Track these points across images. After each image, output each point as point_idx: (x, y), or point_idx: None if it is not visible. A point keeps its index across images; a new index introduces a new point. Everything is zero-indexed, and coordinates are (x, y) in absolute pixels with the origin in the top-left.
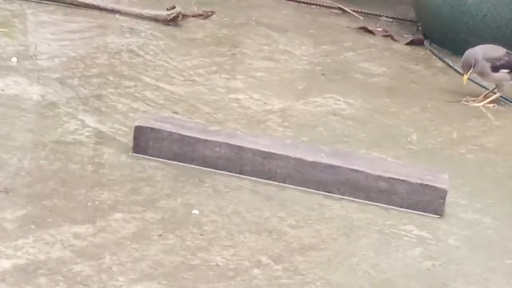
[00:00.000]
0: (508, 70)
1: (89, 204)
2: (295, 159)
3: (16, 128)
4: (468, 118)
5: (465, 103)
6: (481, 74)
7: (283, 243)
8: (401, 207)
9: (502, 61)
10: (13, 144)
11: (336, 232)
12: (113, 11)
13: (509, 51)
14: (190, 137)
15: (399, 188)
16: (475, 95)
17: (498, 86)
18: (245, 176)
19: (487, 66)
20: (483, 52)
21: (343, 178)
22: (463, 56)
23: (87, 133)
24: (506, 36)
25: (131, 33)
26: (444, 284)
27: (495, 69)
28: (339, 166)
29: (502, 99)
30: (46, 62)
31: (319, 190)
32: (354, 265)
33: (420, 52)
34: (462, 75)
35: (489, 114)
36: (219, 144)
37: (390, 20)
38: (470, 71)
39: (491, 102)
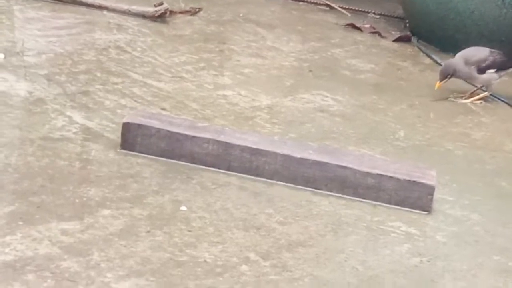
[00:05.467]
0: (495, 69)
1: (77, 200)
2: (283, 155)
3: (3, 124)
4: (455, 115)
5: (453, 99)
6: (469, 78)
7: (271, 239)
8: (389, 204)
9: (487, 62)
10: (0, 140)
11: (324, 229)
12: (100, 7)
13: (493, 50)
14: (178, 133)
15: (387, 184)
16: (463, 92)
17: (487, 86)
18: (233, 173)
19: (473, 70)
20: (465, 57)
21: (331, 174)
22: (443, 65)
23: (74, 130)
24: (493, 32)
25: (118, 30)
26: (432, 280)
27: (481, 71)
28: (327, 163)
29: (491, 96)
30: (33, 59)
31: (307, 186)
32: (342, 261)
33: (407, 49)
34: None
35: (476, 111)
36: (207, 141)
37: (378, 16)
38: (445, 80)
39: (478, 99)
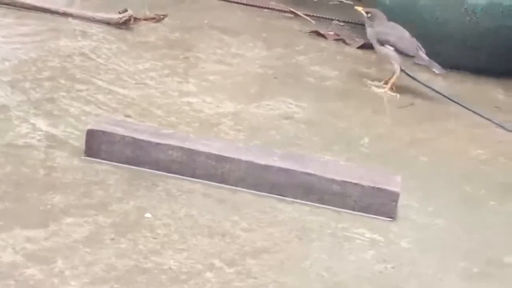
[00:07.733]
0: (394, 48)
1: (41, 207)
2: (247, 162)
3: None
4: (420, 121)
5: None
6: (372, 43)
7: (235, 246)
8: (354, 210)
9: (387, 37)
10: None
11: (289, 235)
12: (65, 14)
13: (413, 38)
14: (142, 140)
15: (351, 191)
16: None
17: (394, 68)
18: (197, 180)
19: (375, 36)
20: (383, 23)
21: (296, 181)
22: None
23: (38, 137)
24: (458, 39)
25: (83, 37)
26: (397, 286)
27: (380, 42)
28: (292, 169)
29: (455, 103)
30: None
31: (271, 193)
32: (307, 268)
33: (371, 55)
34: (412, 78)
35: (441, 117)
36: (172, 148)
37: (342, 24)
38: (364, 12)
39: (391, 87)
